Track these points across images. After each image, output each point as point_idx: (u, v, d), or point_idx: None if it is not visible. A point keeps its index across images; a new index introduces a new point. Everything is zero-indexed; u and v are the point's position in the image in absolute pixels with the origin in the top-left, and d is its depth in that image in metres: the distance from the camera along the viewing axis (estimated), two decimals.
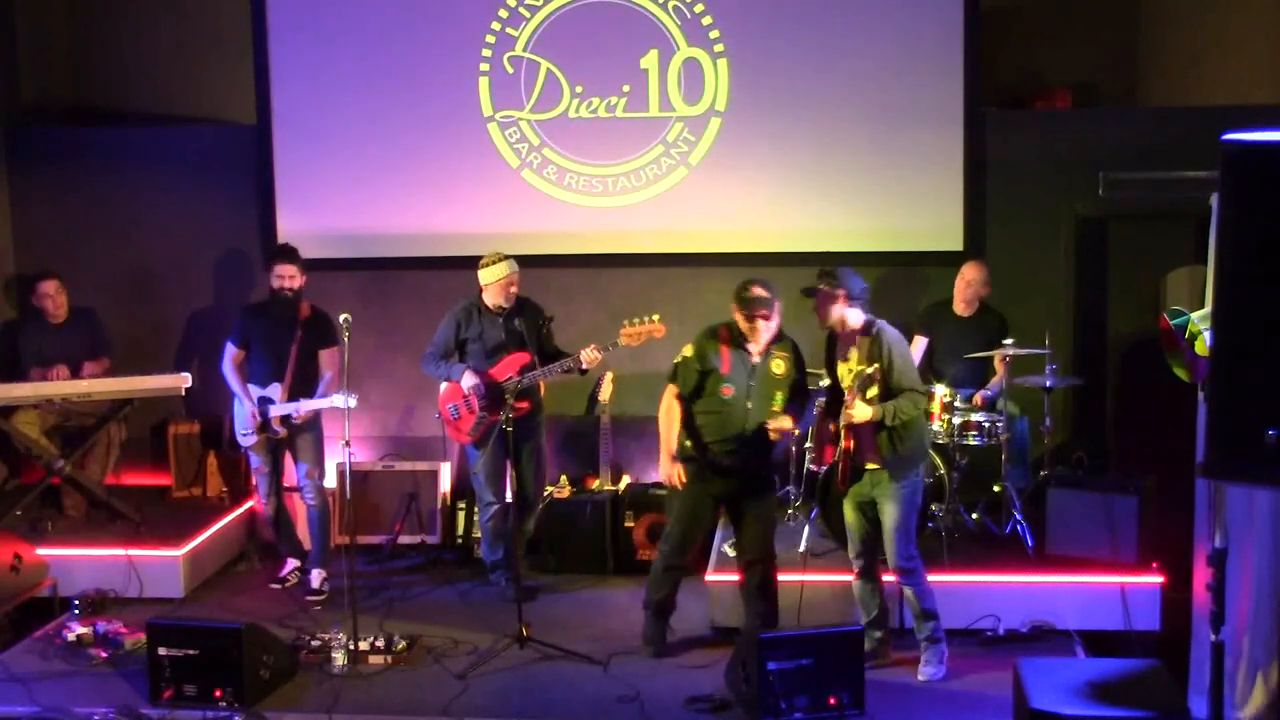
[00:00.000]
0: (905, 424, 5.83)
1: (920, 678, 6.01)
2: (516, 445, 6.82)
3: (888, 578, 6.12)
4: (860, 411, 5.73)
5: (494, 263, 7.04)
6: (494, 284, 7.04)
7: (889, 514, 5.91)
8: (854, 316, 5.91)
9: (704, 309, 8.20)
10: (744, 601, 6.29)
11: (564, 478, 7.79)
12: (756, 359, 6.11)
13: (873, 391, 5.76)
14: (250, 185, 8.41)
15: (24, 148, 8.52)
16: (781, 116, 7.99)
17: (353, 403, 6.71)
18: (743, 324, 6.05)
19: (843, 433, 5.86)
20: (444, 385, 7.19)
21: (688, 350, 6.20)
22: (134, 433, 8.21)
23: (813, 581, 6.54)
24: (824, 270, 5.93)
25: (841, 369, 6.00)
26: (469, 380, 7.04)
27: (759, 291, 6.01)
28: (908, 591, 6.00)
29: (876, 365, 5.73)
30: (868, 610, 6.14)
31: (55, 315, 7.89)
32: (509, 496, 6.96)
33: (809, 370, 7.45)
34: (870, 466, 5.91)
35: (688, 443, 6.18)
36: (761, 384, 6.11)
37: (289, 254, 7.24)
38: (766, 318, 6.02)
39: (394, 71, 8.19)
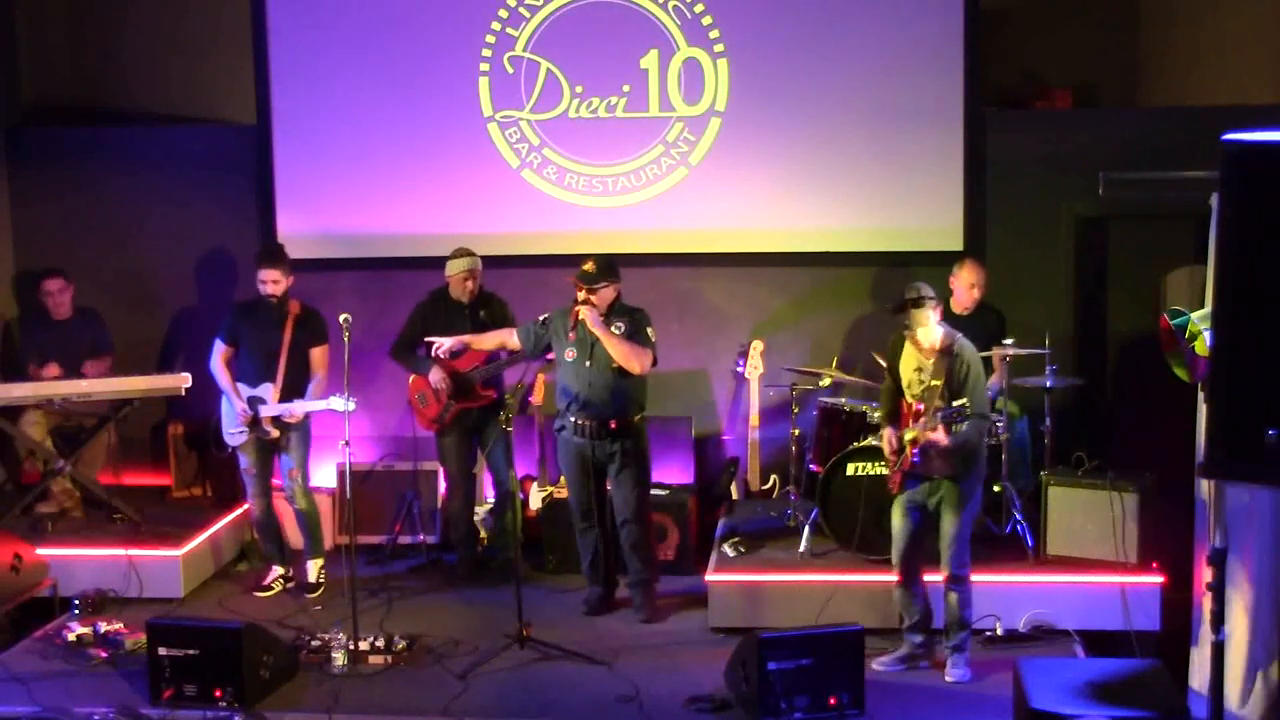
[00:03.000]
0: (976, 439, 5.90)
1: (949, 679, 6.00)
2: (484, 435, 7.36)
3: (930, 577, 6.11)
4: (942, 440, 5.74)
5: (454, 257, 7.35)
6: (452, 278, 7.34)
7: (952, 522, 5.91)
8: (934, 334, 5.90)
9: (704, 309, 8.23)
10: (626, 559, 6.88)
11: (565, 478, 7.77)
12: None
13: (961, 428, 5.74)
14: (250, 185, 8.41)
15: (24, 148, 8.52)
16: (781, 116, 7.99)
17: (351, 406, 6.73)
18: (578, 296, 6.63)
19: (907, 445, 5.88)
20: (412, 375, 7.42)
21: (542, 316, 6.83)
22: (134, 433, 8.21)
23: (815, 582, 6.56)
24: (914, 287, 5.89)
25: (910, 375, 5.96)
26: (435, 375, 7.25)
27: (585, 266, 6.62)
28: (953, 597, 5.98)
29: (966, 401, 5.73)
30: (910, 615, 6.12)
31: (57, 312, 7.88)
32: (491, 486, 7.60)
33: (808, 370, 7.52)
34: (932, 475, 5.92)
35: (559, 420, 6.76)
36: (600, 346, 6.58)
37: (271, 257, 7.21)
38: (591, 290, 6.55)
39: (394, 72, 8.19)
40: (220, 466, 8.07)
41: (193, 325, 8.50)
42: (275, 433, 7.16)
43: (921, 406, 5.86)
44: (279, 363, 7.14)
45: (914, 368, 5.95)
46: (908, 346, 5.98)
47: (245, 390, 7.17)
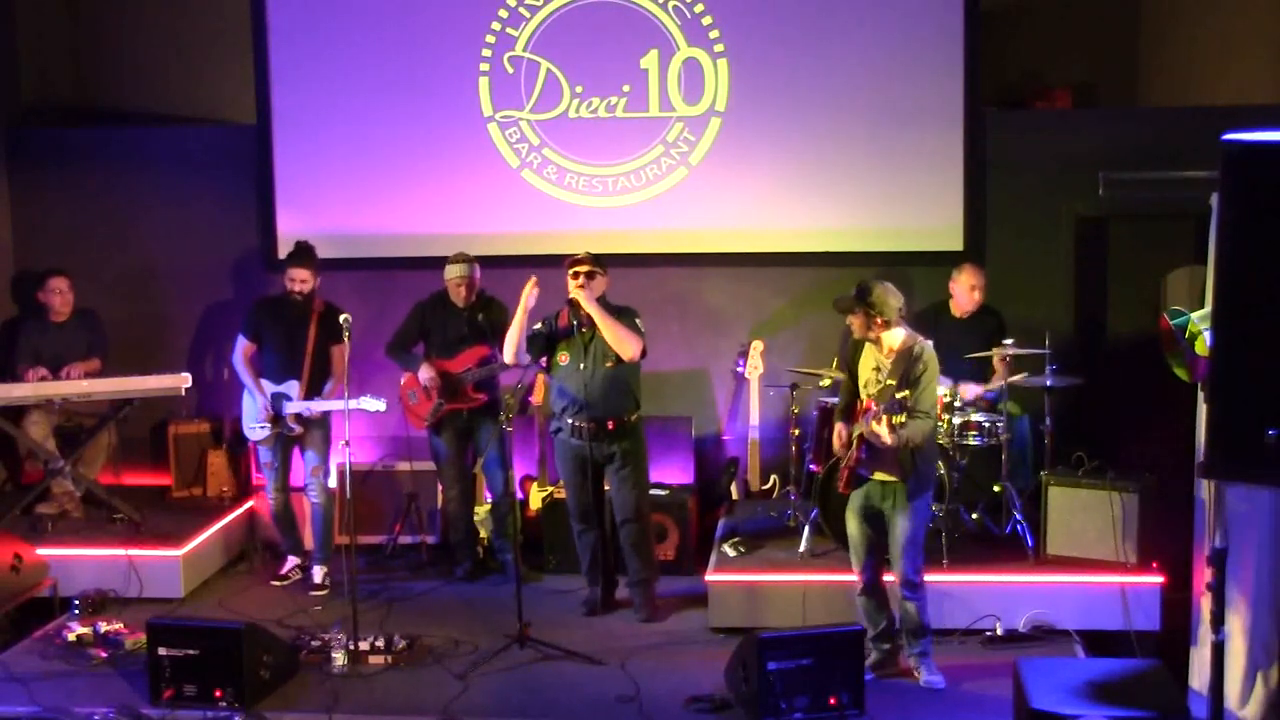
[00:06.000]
0: (925, 442, 5.78)
1: (930, 687, 5.93)
2: (476, 438, 7.40)
3: (888, 578, 6.08)
4: (883, 433, 5.61)
5: (452, 262, 7.37)
6: (448, 282, 7.38)
7: (901, 527, 5.82)
8: (894, 338, 5.82)
9: (704, 309, 8.23)
10: (625, 559, 6.90)
11: (563, 480, 7.77)
12: (587, 326, 6.65)
13: (901, 418, 5.61)
14: (250, 185, 8.41)
15: (24, 148, 8.52)
16: (781, 116, 7.99)
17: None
18: (570, 283, 6.63)
19: (855, 441, 5.82)
20: (404, 374, 7.44)
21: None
22: (134, 433, 8.21)
23: (818, 582, 6.55)
24: (861, 290, 5.80)
25: (868, 374, 5.89)
26: (425, 373, 7.28)
27: (581, 255, 6.67)
28: (909, 606, 5.92)
29: (908, 393, 5.64)
30: (874, 624, 6.06)
31: (59, 313, 7.87)
32: (490, 489, 7.52)
33: (805, 370, 7.53)
34: (883, 478, 5.84)
35: (555, 422, 6.77)
36: (594, 346, 6.63)
37: (302, 256, 7.31)
38: (580, 274, 6.58)
39: (394, 71, 8.19)
40: (235, 463, 8.14)
41: (193, 325, 8.52)
42: (300, 429, 7.22)
43: (874, 405, 5.78)
44: (304, 360, 7.21)
45: (872, 367, 5.88)
46: (868, 346, 5.92)
47: (269, 386, 7.25)
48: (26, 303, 8.19)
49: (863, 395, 5.90)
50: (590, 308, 6.55)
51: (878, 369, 5.85)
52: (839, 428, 5.96)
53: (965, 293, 7.38)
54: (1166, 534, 6.51)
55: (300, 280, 7.23)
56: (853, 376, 6.01)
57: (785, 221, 8.06)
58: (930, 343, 5.93)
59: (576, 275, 6.61)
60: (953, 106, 7.86)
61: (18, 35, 8.65)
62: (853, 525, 6.00)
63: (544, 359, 6.76)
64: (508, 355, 6.76)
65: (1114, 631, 6.47)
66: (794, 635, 5.72)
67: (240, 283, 8.45)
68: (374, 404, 6.96)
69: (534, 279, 6.68)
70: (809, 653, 5.57)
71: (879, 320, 5.78)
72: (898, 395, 5.63)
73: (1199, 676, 5.78)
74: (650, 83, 8.06)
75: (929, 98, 7.87)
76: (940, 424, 6.83)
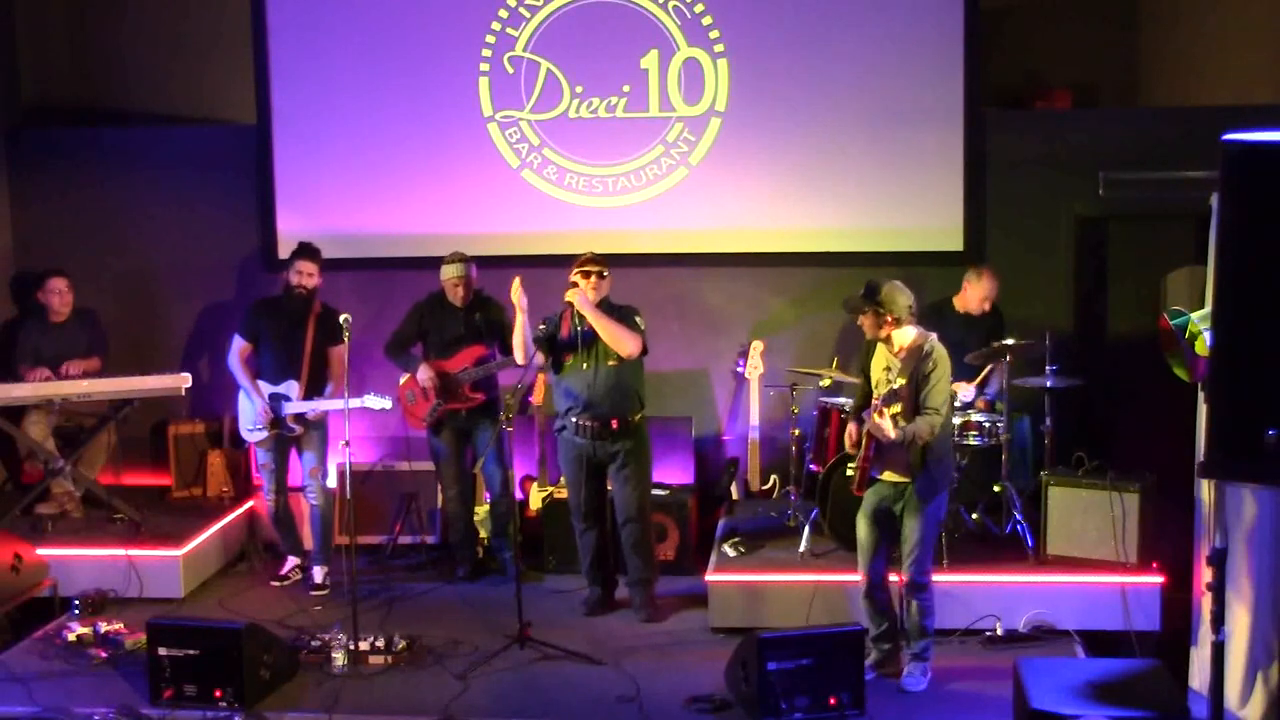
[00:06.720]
0: (936, 442, 5.76)
1: (903, 688, 5.92)
2: (474, 439, 7.40)
3: (894, 579, 6.07)
4: (886, 426, 5.61)
5: (448, 262, 7.37)
6: (444, 282, 7.38)
7: (913, 527, 5.81)
8: (904, 336, 5.81)
9: (704, 309, 8.23)
10: (626, 558, 6.90)
11: (564, 479, 7.77)
12: (589, 329, 6.63)
13: (895, 409, 5.62)
14: (250, 185, 8.41)
15: (24, 148, 8.52)
16: (781, 116, 7.99)
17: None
18: (580, 283, 6.63)
19: (864, 439, 5.81)
20: (403, 374, 7.44)
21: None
22: (134, 433, 8.21)
23: (815, 583, 6.55)
24: (869, 289, 5.79)
25: (879, 374, 5.89)
26: (424, 374, 7.28)
27: (585, 255, 6.72)
28: (914, 605, 5.92)
29: (902, 381, 5.62)
30: (876, 625, 6.06)
31: (59, 313, 7.88)
32: (489, 490, 7.53)
33: (805, 370, 7.53)
34: (893, 479, 5.83)
35: (559, 421, 6.76)
36: (598, 345, 6.62)
37: (312, 252, 7.33)
38: (591, 274, 6.60)
39: (394, 71, 8.20)
40: (234, 464, 8.15)
41: (193, 325, 8.52)
42: (300, 430, 7.22)
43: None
44: (302, 360, 7.20)
45: (883, 367, 5.88)
46: (880, 347, 5.92)
47: (266, 387, 7.24)
48: (26, 303, 8.19)
49: (875, 396, 5.90)
50: (585, 310, 6.55)
51: (889, 369, 5.85)
52: (850, 427, 5.96)
53: (976, 300, 7.35)
54: (1166, 534, 6.51)
55: (308, 274, 7.22)
56: (866, 378, 6.01)
57: (785, 221, 8.06)
58: (937, 339, 5.91)
59: (588, 275, 6.61)
60: (952, 106, 7.86)
61: (18, 35, 8.65)
62: (862, 526, 5.98)
63: (550, 359, 6.74)
64: (518, 357, 6.77)
65: (1114, 631, 6.47)
66: (794, 635, 5.72)
67: (240, 283, 8.45)
68: (379, 402, 6.98)
69: (517, 278, 6.66)
70: (809, 653, 5.57)
71: (889, 319, 5.77)
72: (893, 386, 5.63)
73: (1199, 676, 5.78)
74: (650, 83, 8.06)
75: (929, 98, 7.87)
76: None
